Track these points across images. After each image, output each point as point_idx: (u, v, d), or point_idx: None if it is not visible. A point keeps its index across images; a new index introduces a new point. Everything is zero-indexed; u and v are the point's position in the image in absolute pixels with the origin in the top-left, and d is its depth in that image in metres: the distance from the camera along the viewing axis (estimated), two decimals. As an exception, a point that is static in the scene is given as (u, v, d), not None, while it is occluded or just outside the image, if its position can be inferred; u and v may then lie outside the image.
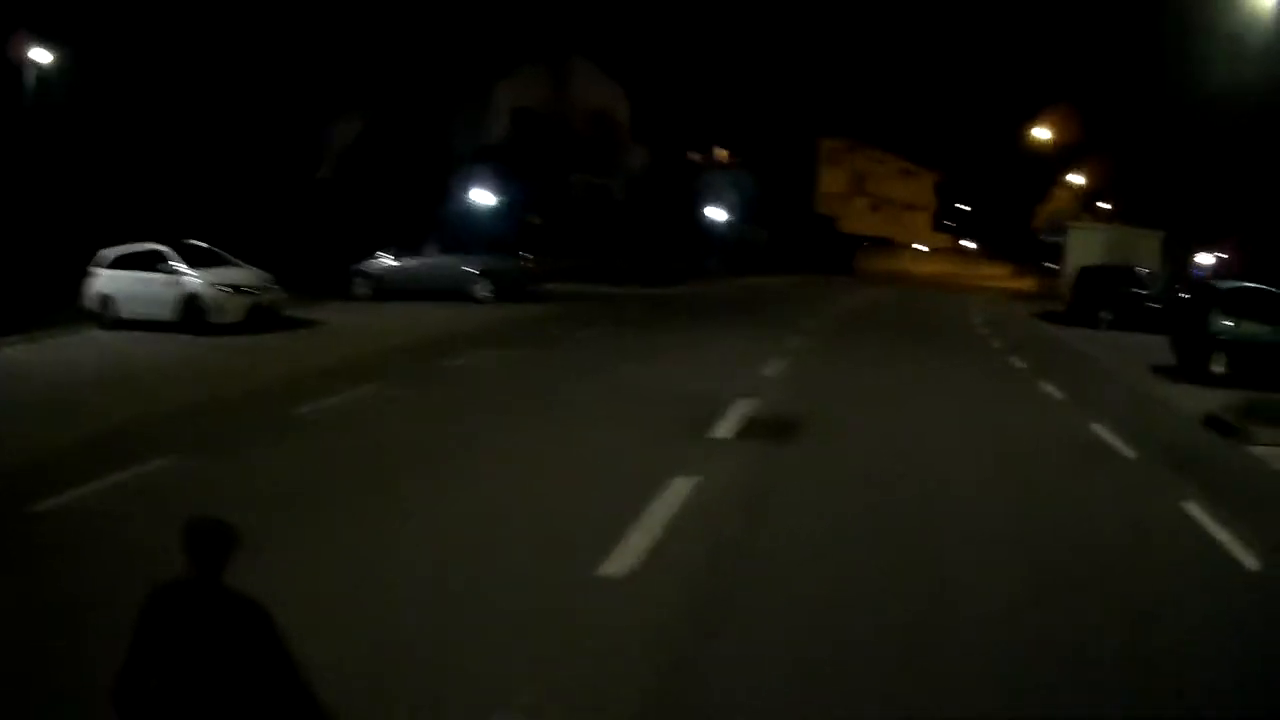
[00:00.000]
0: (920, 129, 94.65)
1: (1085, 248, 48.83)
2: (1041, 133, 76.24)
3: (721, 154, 73.03)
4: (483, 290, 31.45)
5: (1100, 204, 74.47)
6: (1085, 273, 38.62)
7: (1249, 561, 9.11)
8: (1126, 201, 67.68)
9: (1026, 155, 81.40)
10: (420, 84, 40.55)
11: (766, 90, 72.57)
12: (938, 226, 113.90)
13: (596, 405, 15.26)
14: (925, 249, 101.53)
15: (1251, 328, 21.38)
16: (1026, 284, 67.71)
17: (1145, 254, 46.89)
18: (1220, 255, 56.91)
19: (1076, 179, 79.38)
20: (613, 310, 32.00)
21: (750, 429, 13.51)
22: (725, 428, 13.48)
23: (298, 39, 34.40)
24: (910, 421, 14.89)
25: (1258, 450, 14.51)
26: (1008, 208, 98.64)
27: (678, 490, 10.18)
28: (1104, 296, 35.72)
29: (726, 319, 31.56)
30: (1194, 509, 10.64)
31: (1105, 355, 26.04)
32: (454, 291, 30.78)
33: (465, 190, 41.23)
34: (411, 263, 31.92)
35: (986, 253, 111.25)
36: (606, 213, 51.04)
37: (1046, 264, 59.13)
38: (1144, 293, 35.70)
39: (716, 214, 62.58)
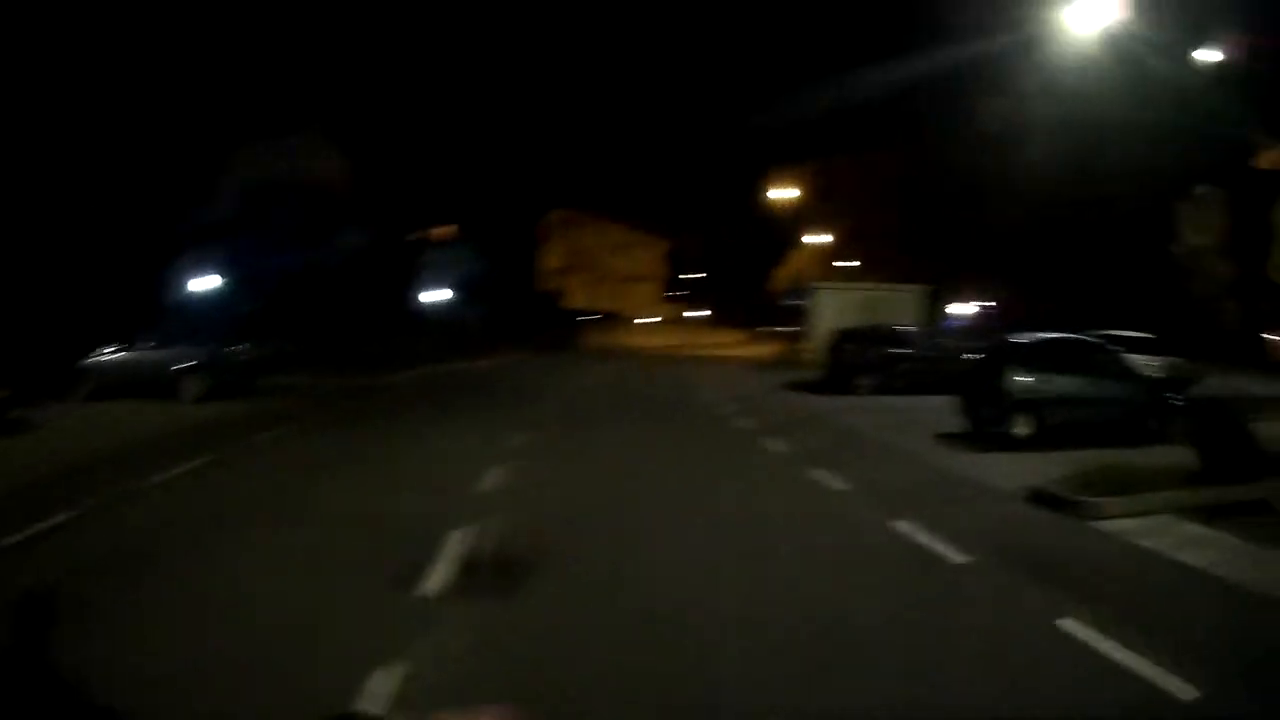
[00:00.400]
0: (651, 195, 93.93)
1: (835, 308, 47.76)
2: (781, 193, 75.92)
3: (443, 231, 69.41)
4: (194, 385, 28.42)
5: (839, 263, 74.96)
6: (841, 335, 36.91)
7: (1181, 689, 6.80)
8: (869, 258, 68.43)
9: (760, 217, 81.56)
10: (136, 156, 36.74)
11: (492, 163, 70.16)
12: (667, 296, 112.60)
13: (262, 555, 10.87)
14: (653, 320, 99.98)
15: (1057, 382, 19.66)
16: (765, 351, 66.66)
17: (902, 311, 46.28)
18: (984, 304, 56.83)
19: (816, 239, 79.70)
20: (315, 405, 29.40)
21: (468, 579, 9.60)
22: (435, 579, 9.49)
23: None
24: (660, 545, 11.32)
25: (1109, 526, 12.06)
26: (740, 273, 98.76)
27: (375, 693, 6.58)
28: (863, 360, 34.10)
29: (441, 410, 28.62)
30: (1072, 625, 8.07)
31: (878, 426, 23.45)
32: (167, 386, 27.98)
33: (186, 274, 38.67)
34: (126, 357, 29.17)
35: (715, 320, 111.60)
36: (327, 295, 47.02)
37: (781, 329, 58.11)
38: (908, 352, 34.19)
39: (436, 294, 59.57)
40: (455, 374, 44.07)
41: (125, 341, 29.33)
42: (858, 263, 70.63)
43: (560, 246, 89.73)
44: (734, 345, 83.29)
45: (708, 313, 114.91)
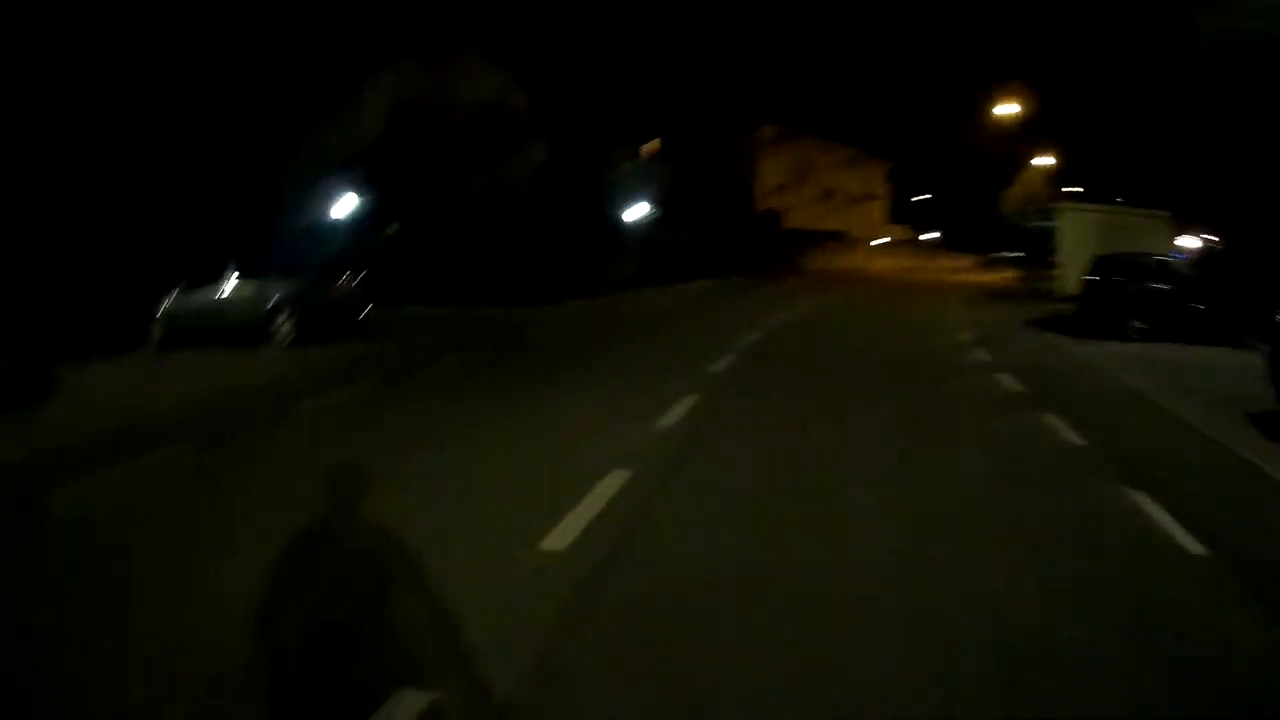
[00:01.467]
0: (866, 114, 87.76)
1: (1079, 234, 42.16)
2: (1005, 109, 69.45)
3: (650, 147, 64.82)
4: (283, 326, 23.36)
5: (1067, 188, 68.76)
6: (1103, 264, 31.01)
7: None
8: (1094, 183, 62.35)
9: (985, 136, 75.28)
10: (272, 82, 32.41)
11: (692, 75, 64.70)
12: (893, 218, 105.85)
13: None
14: (881, 242, 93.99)
15: None
16: (1001, 277, 61.07)
17: (1155, 240, 40.22)
18: (1208, 237, 50.55)
19: (1044, 160, 73.45)
20: (442, 353, 22.35)
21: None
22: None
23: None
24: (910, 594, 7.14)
25: None
26: (968, 194, 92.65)
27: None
28: (1132, 297, 28.51)
29: (599, 363, 21.92)
30: None
31: (1176, 394, 17.72)
32: (257, 330, 23.04)
33: (327, 199, 34.02)
34: (207, 297, 23.93)
35: (945, 244, 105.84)
36: (502, 215, 42.83)
37: (1019, 255, 52.78)
38: (1184, 290, 28.40)
39: (635, 212, 55.22)
40: (643, 304, 39.37)
41: (213, 277, 24.00)
42: (1081, 189, 64.65)
43: (778, 163, 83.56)
44: (967, 271, 77.77)
45: (937, 235, 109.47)
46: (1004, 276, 59.67)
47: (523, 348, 25.10)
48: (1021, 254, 51.14)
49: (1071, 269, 40.90)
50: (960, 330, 29.63)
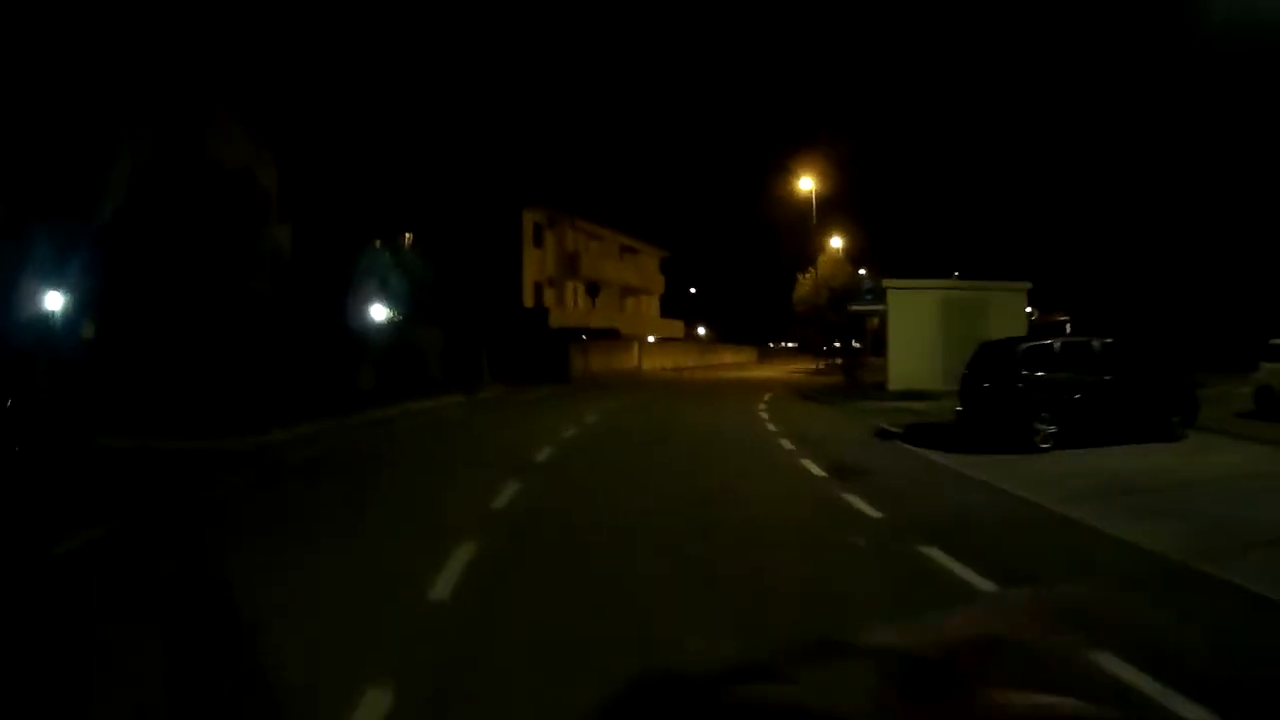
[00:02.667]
0: (642, 195, 79.55)
1: (915, 316, 34.38)
2: (802, 184, 61.39)
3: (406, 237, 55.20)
4: None
5: (870, 268, 61.76)
6: (991, 353, 22.47)
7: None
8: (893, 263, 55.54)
9: (776, 218, 68.04)
10: None
11: (453, 154, 55.27)
12: (666, 312, 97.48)
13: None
14: (655, 340, 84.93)
15: None
16: (799, 370, 52.85)
17: (1003, 319, 33.75)
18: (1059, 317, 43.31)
19: (838, 241, 66.36)
20: None
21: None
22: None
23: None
24: None
25: None
26: (754, 282, 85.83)
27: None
28: (1040, 392, 20.17)
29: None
30: None
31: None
32: None
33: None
34: None
35: (721, 337, 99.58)
36: (230, 315, 31.96)
37: (836, 344, 44.78)
38: (1101, 379, 20.73)
39: (381, 311, 45.00)
40: (380, 432, 26.26)
41: None
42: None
43: (546, 252, 72.88)
44: (756, 366, 69.93)
45: (704, 331, 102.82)
46: (800, 369, 51.68)
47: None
48: (838, 344, 43.02)
49: (906, 358, 34.39)
50: (798, 455, 19.67)
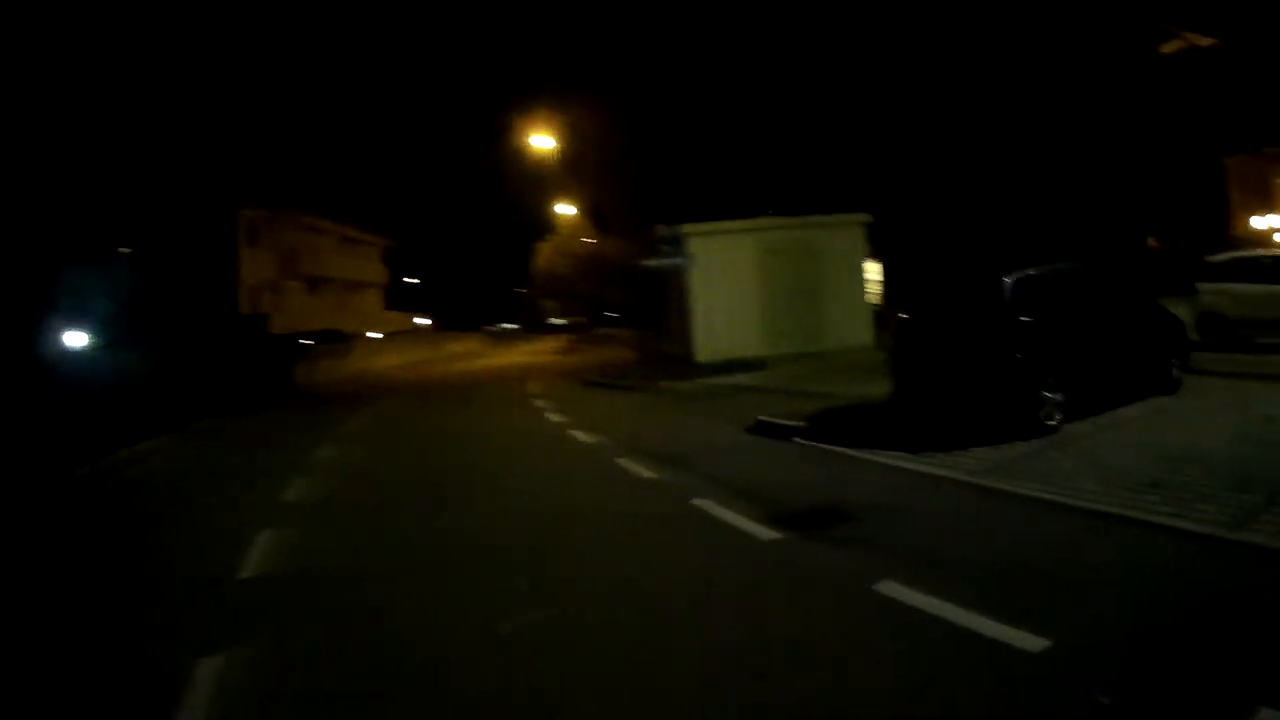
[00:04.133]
0: (361, 181, 69.92)
1: (724, 268, 27.22)
2: (539, 141, 52.57)
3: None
4: None
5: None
6: (938, 289, 14.85)
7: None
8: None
9: (510, 187, 59.79)
10: None
11: (166, 165, 44.86)
12: (391, 304, 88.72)
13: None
14: (380, 336, 74.67)
15: None
16: (550, 351, 45.23)
17: (839, 262, 28.25)
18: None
19: (568, 208, 58.41)
20: None
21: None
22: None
23: None
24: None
25: None
26: (482, 264, 77.77)
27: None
28: (1042, 341, 12.76)
29: None
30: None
31: None
32: None
33: None
34: None
35: (444, 325, 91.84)
36: None
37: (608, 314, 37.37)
38: (1105, 320, 14.03)
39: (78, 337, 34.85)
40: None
41: None
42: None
43: (264, 252, 62.32)
44: (492, 352, 61.86)
45: (427, 321, 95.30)
46: (546, 350, 46.27)
47: None
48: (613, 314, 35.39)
49: (717, 322, 27.40)
50: (675, 490, 11.29)
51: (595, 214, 59.55)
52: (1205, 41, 35.48)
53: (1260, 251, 23.24)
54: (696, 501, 10.30)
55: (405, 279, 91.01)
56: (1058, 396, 12.33)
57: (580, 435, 16.94)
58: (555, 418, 20.41)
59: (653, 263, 26.92)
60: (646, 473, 12.46)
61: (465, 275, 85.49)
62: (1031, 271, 13.22)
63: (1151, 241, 44.41)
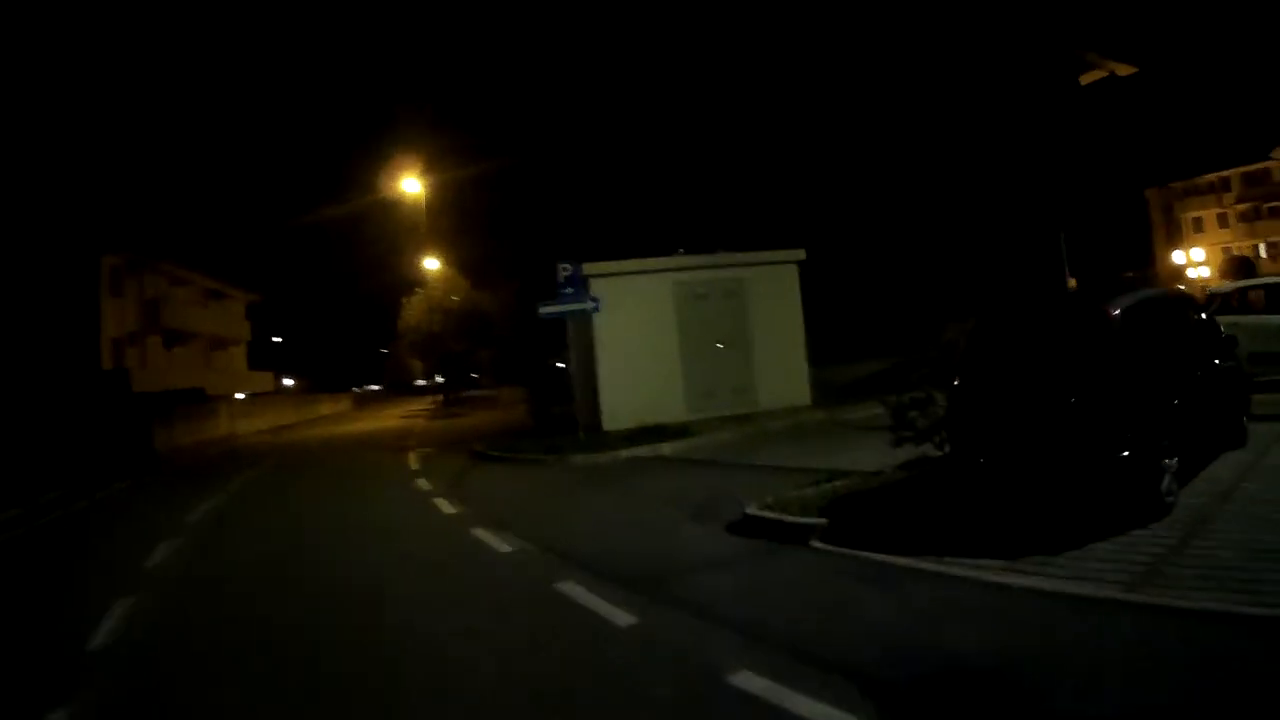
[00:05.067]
0: (231, 230, 64.85)
1: (634, 316, 23.59)
2: (407, 186, 48.44)
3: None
4: None
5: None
6: (1002, 327, 10.66)
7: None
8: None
9: (375, 240, 55.28)
10: None
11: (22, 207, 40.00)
12: (255, 363, 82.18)
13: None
14: (244, 397, 69.29)
15: None
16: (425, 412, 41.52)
17: (770, 306, 24.57)
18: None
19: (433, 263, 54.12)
20: None
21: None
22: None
23: None
24: None
25: None
26: (348, 322, 73.77)
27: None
28: (1156, 395, 9.39)
29: None
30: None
31: None
32: None
33: None
34: None
35: (314, 387, 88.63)
36: None
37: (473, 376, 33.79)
38: (1194, 362, 11.04)
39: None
40: None
41: None
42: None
43: (127, 302, 56.27)
44: (359, 415, 57.12)
45: (292, 382, 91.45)
46: (417, 411, 46.40)
47: None
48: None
49: (627, 380, 23.62)
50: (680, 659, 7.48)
51: (469, 266, 55.37)
52: (1125, 70, 33.84)
53: (1273, 278, 20.59)
54: (734, 680, 6.25)
55: (272, 337, 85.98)
56: (1174, 462, 8.96)
57: (489, 539, 12.51)
58: (448, 507, 15.88)
59: (550, 309, 22.54)
60: (619, 616, 8.14)
61: (332, 333, 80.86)
62: (1130, 300, 9.63)
63: (1126, 274, 42.10)
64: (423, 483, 19.72)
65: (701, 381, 23.88)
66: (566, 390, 26.25)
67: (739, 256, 24.96)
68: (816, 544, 9.83)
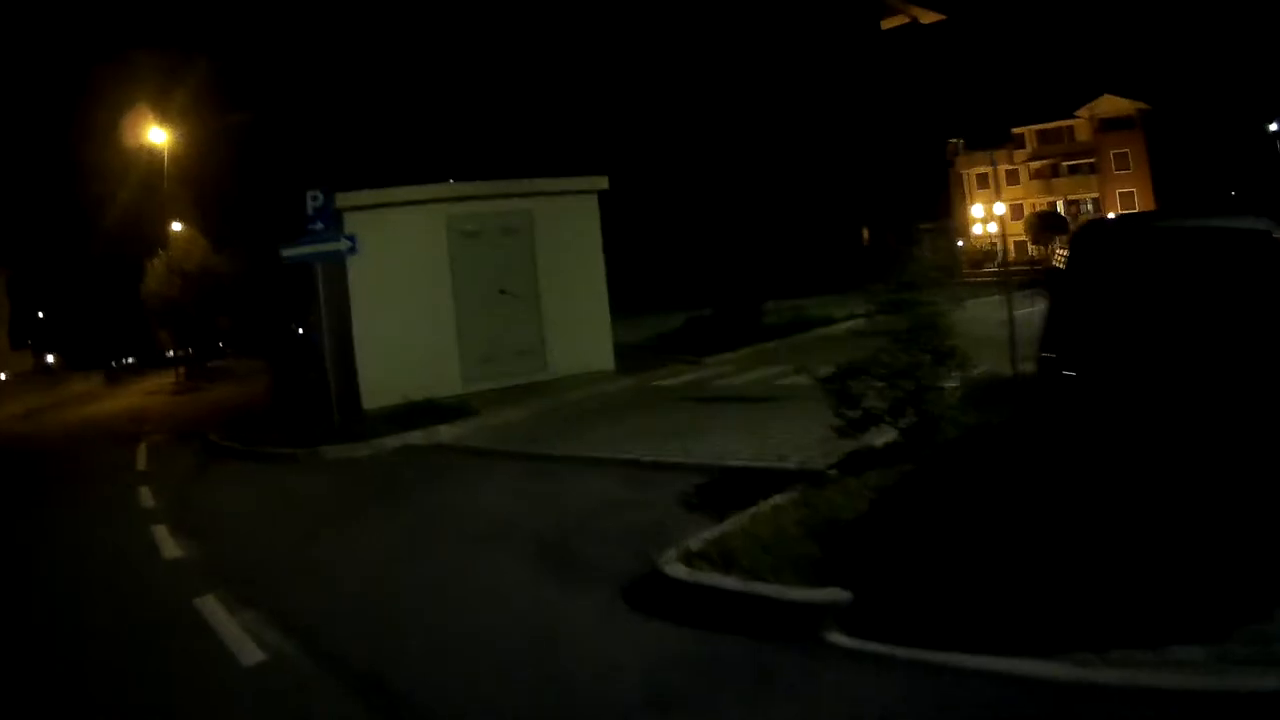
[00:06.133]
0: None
1: (397, 261, 18.43)
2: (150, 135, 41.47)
3: None
4: None
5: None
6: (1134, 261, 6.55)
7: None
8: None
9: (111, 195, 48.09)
10: None
11: None
12: (17, 343, 73.86)
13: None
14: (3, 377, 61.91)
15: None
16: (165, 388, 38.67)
17: (562, 247, 20.26)
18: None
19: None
20: None
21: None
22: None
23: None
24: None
25: None
26: (102, 292, 66.65)
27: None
28: None
29: None
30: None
31: None
32: None
33: None
34: None
35: (66, 364, 79.16)
36: None
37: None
38: None
39: None
40: None
41: None
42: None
43: None
44: (108, 393, 49.98)
45: (53, 359, 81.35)
46: (157, 388, 41.15)
47: None
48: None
49: (389, 344, 18.40)
50: None
51: (211, 227, 48.66)
52: (930, 18, 31.43)
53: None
54: None
55: (36, 313, 77.42)
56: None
57: (223, 624, 7.24)
58: (171, 545, 10.34)
59: (294, 251, 17.10)
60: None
61: (89, 306, 72.76)
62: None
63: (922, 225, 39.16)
64: (145, 494, 13.96)
65: (481, 343, 18.90)
66: (316, 359, 20.71)
67: (526, 184, 19.91)
68: (838, 639, 5.36)
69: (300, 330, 27.14)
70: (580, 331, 19.90)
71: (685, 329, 25.17)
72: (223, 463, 17.02)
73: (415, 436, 15.19)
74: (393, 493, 11.95)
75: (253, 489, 14.02)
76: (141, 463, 18.40)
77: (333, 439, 15.54)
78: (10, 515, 14.52)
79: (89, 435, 28.05)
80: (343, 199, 17.72)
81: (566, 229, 19.84)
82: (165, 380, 52.67)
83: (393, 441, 15.07)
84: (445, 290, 18.67)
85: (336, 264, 17.51)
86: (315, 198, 16.80)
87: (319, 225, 16.76)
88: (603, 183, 20.38)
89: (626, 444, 12.22)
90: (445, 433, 15.31)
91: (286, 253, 17.05)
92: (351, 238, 16.90)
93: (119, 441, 23.18)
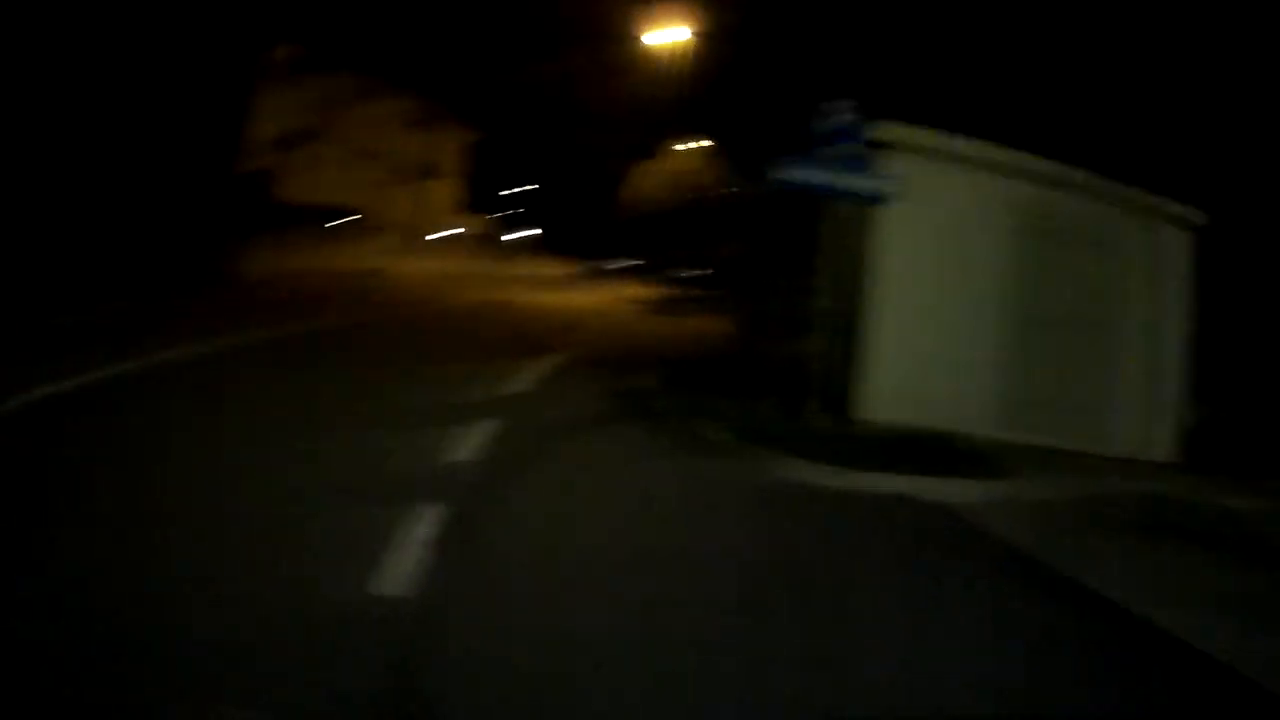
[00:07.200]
0: (444, 51, 56.36)
1: (943, 233, 13.66)
2: (663, 35, 39.20)
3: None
4: None
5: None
6: None
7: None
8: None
9: (619, 92, 46.38)
10: None
11: None
12: (472, 206, 71.88)
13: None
14: (438, 236, 62.24)
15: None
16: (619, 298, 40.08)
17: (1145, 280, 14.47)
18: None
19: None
20: None
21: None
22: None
23: None
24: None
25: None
26: (584, 176, 65.75)
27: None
28: None
29: None
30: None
31: None
32: None
33: None
34: None
35: (544, 245, 77.59)
36: None
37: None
38: None
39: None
40: None
41: None
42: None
43: (292, 101, 47.44)
44: (575, 287, 48.63)
45: (533, 234, 79.81)
46: (635, 297, 40.06)
47: None
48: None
49: (911, 342, 13.32)
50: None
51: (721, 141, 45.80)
52: None
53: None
54: None
55: (499, 190, 76.57)
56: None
57: None
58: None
59: (796, 173, 12.38)
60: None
61: (564, 193, 72.92)
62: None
63: None
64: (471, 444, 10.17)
65: (1027, 381, 13.63)
66: (794, 319, 15.78)
67: (1124, 190, 14.28)
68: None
69: (780, 282, 22.97)
70: (1142, 396, 14.33)
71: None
72: (626, 426, 12.89)
73: (924, 486, 10.16)
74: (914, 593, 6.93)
75: (651, 483, 9.76)
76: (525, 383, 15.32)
77: (796, 445, 10.97)
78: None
79: (490, 326, 26.84)
80: (886, 132, 12.91)
81: (1157, 261, 14.38)
82: (645, 292, 49.17)
83: (883, 483, 10.16)
84: (993, 295, 13.58)
85: (855, 208, 12.96)
86: (841, 112, 12.17)
87: (843, 146, 12.17)
88: (1199, 217, 14.61)
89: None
90: (958, 490, 10.24)
91: (786, 175, 12.46)
92: (893, 179, 12.32)
93: (523, 349, 19.98)
